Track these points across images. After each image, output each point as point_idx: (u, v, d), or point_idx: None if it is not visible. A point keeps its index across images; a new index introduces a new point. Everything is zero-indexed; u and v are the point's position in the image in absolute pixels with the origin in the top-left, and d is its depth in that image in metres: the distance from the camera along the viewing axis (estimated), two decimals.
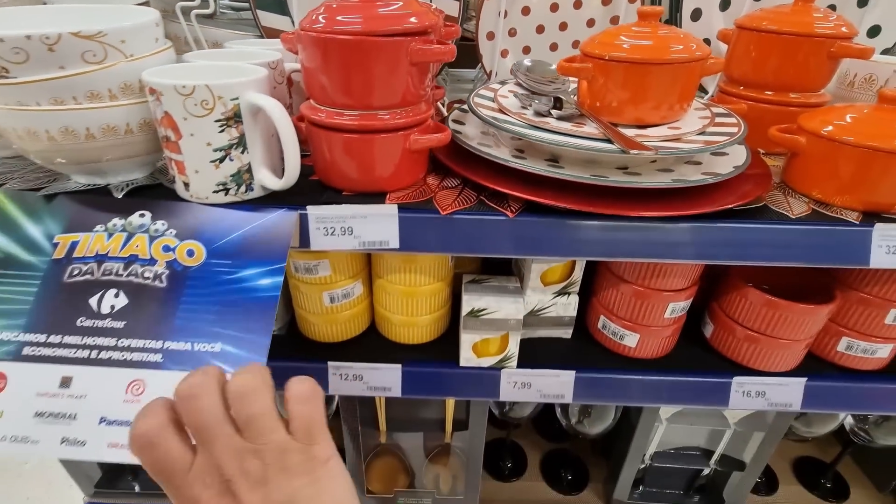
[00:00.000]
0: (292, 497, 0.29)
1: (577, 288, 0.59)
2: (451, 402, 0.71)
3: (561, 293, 0.59)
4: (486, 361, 0.58)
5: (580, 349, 0.62)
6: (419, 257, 0.54)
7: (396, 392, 0.59)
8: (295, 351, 0.60)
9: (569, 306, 0.60)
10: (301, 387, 0.32)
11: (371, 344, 0.62)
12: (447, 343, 0.61)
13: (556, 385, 0.58)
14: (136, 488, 0.82)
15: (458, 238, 0.46)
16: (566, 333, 0.63)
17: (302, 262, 0.54)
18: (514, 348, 0.57)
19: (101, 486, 0.82)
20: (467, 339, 0.56)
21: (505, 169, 0.47)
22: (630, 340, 0.59)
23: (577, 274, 0.58)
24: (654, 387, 0.58)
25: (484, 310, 0.54)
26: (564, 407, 0.76)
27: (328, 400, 0.79)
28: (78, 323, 0.41)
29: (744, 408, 0.59)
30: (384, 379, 0.58)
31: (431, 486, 0.80)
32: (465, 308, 0.55)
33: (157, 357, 0.40)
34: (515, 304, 0.54)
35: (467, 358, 0.58)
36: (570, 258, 0.56)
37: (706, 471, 0.79)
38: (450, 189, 0.50)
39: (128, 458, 0.37)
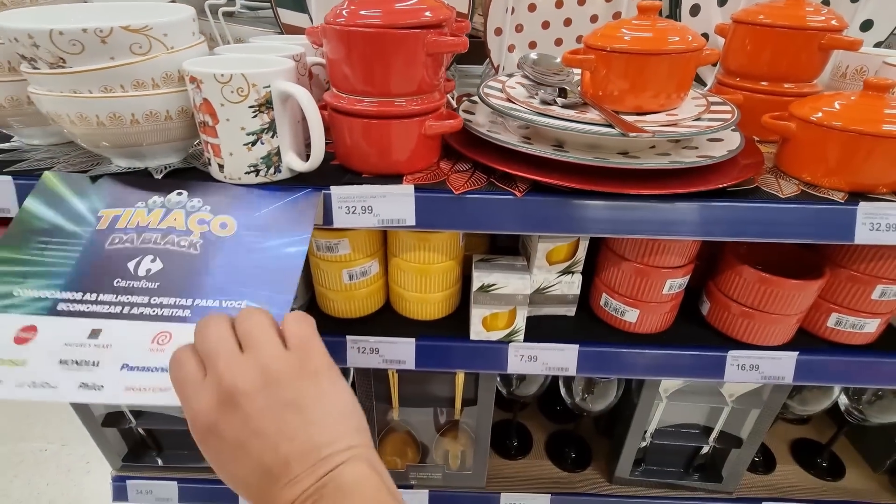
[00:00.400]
0: (294, 399, 0.33)
1: (580, 267, 0.63)
2: (460, 379, 0.75)
3: (565, 272, 0.63)
4: (495, 335, 0.61)
5: (583, 325, 0.65)
6: (432, 237, 0.58)
7: (410, 365, 0.63)
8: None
9: (573, 285, 0.64)
10: (294, 313, 0.37)
11: (386, 320, 0.65)
12: (458, 320, 0.65)
13: (561, 358, 0.62)
14: (160, 462, 0.86)
15: (470, 216, 0.50)
16: (570, 311, 0.66)
17: (323, 240, 0.58)
18: (521, 322, 0.60)
19: (127, 461, 0.86)
20: (477, 313, 0.60)
21: (513, 154, 0.51)
22: (630, 316, 0.62)
23: (581, 254, 0.62)
24: (653, 360, 0.62)
25: (493, 285, 0.58)
26: (569, 385, 0.79)
27: (344, 374, 0.83)
28: (115, 284, 0.44)
29: (739, 380, 0.62)
30: (399, 352, 0.62)
31: (441, 461, 0.83)
32: (476, 283, 0.58)
33: (186, 312, 0.43)
34: (523, 279, 0.58)
35: (477, 331, 0.61)
36: (573, 234, 0.59)
37: (705, 449, 0.82)
38: (461, 172, 0.53)
39: (142, 400, 0.39)
